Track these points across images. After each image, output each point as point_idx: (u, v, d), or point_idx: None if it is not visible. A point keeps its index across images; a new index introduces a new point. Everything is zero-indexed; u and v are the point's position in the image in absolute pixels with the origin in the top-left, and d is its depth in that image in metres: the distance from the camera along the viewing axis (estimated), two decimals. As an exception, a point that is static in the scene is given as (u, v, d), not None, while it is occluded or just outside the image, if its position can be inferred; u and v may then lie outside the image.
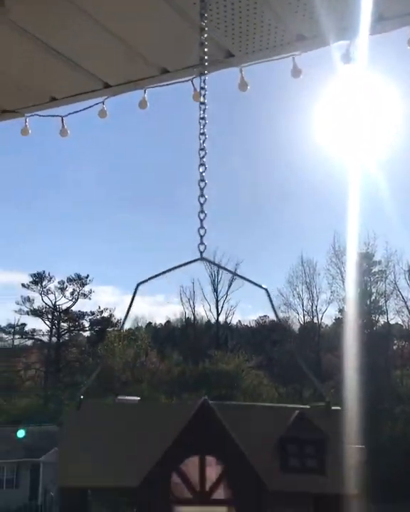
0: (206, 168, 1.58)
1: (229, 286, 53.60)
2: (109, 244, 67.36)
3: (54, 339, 53.00)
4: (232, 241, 69.90)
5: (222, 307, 53.60)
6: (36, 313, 53.21)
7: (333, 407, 1.29)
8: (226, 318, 55.48)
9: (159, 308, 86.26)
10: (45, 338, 54.21)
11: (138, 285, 1.53)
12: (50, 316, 53.79)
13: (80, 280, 53.20)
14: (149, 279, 1.53)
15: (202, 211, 1.57)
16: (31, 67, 1.73)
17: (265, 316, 60.13)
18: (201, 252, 1.54)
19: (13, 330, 54.53)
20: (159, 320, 70.66)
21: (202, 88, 1.55)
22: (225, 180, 69.14)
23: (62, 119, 1.84)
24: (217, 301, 53.59)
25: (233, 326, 58.07)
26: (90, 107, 1.77)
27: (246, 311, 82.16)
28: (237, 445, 1.18)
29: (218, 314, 54.58)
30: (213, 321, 53.98)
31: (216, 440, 1.20)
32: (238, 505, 1.17)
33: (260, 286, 1.57)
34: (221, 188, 71.04)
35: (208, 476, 1.22)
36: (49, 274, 53.89)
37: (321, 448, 1.20)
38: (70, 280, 53.31)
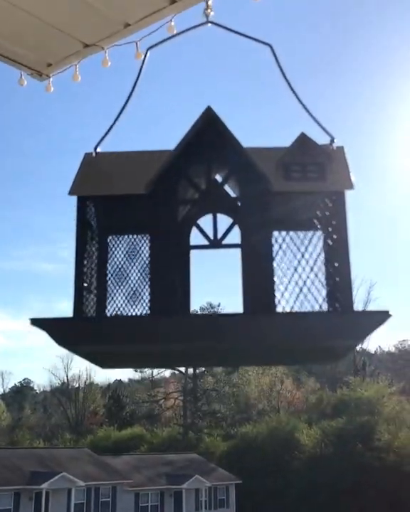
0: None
1: (363, 310, 51.99)
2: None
3: (191, 370, 53.99)
4: (365, 263, 68.06)
5: (357, 332, 52.02)
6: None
7: (336, 145, 1.33)
8: (363, 343, 53.76)
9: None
10: (183, 369, 55.34)
11: (148, 50, 1.55)
12: (185, 347, 54.74)
13: (211, 308, 54.07)
14: (159, 43, 1.57)
15: None
16: None
17: (404, 340, 57.73)
18: (207, 16, 1.59)
19: (151, 362, 55.89)
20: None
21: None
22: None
23: (136, 44, 1.93)
24: (351, 326, 52.11)
25: (370, 352, 56.23)
26: (159, 27, 1.86)
27: (384, 336, 79.43)
28: (243, 150, 1.20)
29: (354, 339, 52.91)
30: (349, 346, 52.40)
31: (222, 146, 1.23)
32: (245, 205, 1.21)
33: (263, 42, 1.54)
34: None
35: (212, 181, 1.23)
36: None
37: (322, 166, 1.24)
38: (202, 309, 54.40)
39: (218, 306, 53.81)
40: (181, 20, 1.86)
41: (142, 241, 1.38)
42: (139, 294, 1.35)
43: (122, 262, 1.38)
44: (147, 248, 1.36)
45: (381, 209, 71.77)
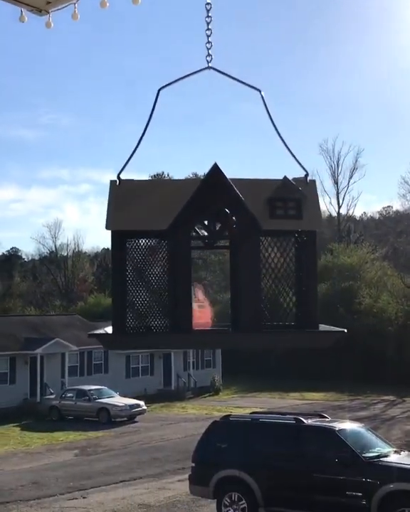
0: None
1: (350, 177, 51.96)
2: (222, 143, 66.94)
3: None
4: (353, 129, 66.87)
5: (343, 199, 52.30)
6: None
7: (309, 178, 1.68)
8: (348, 210, 54.04)
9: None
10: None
11: (159, 90, 1.76)
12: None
13: (196, 177, 53.64)
14: (169, 84, 1.79)
15: (208, 29, 1.91)
16: None
17: (388, 207, 58.21)
18: (208, 62, 1.86)
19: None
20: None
21: None
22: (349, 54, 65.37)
23: None
24: (338, 194, 52.27)
25: (355, 218, 56.87)
26: None
27: (370, 202, 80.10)
28: (240, 197, 1.57)
29: (339, 207, 53.20)
30: (334, 214, 52.93)
31: (225, 194, 1.58)
32: (241, 241, 1.57)
33: (254, 88, 1.78)
34: (343, 77, 67.33)
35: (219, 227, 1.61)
36: (168, 175, 54.79)
37: (299, 202, 1.59)
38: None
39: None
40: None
41: (160, 268, 1.68)
42: (160, 304, 1.71)
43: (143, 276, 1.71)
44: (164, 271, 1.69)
45: (371, 74, 69.28)
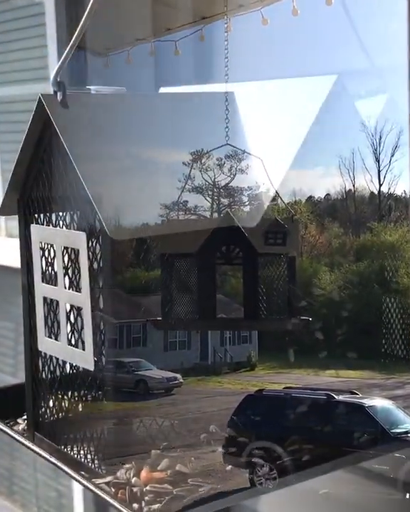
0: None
1: (392, 155, 51.59)
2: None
3: (216, 214, 54.94)
4: (397, 106, 66.10)
5: (385, 177, 51.85)
6: (197, 190, 55.21)
7: (295, 217, 2.10)
8: (389, 188, 53.67)
9: (318, 181, 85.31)
10: (207, 214, 56.24)
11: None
12: (210, 193, 55.56)
13: (236, 156, 53.77)
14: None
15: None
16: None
17: (431, 185, 57.46)
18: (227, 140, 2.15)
19: (177, 207, 57.39)
20: (319, 193, 70.15)
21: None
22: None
23: (175, 43, 2.38)
24: (379, 172, 51.86)
25: (397, 197, 56.33)
26: (193, 33, 2.53)
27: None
28: (245, 235, 2.00)
29: (381, 185, 52.90)
30: (375, 192, 52.67)
31: (234, 231, 1.97)
32: (245, 263, 1.97)
33: (256, 156, 2.08)
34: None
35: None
36: (207, 151, 55.09)
37: (285, 235, 2.07)
38: (227, 157, 53.99)
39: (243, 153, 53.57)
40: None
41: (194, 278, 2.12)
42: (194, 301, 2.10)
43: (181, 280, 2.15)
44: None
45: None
